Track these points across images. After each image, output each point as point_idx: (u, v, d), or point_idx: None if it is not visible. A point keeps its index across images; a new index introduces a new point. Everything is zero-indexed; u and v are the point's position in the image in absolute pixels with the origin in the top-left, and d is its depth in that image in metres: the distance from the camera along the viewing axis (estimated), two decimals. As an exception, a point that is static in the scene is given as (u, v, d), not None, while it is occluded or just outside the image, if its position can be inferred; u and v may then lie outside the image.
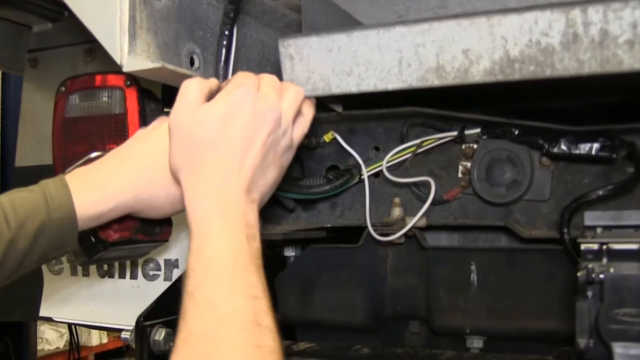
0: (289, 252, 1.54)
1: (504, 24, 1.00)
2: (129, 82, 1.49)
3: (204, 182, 1.00)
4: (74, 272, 1.74)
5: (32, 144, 1.81)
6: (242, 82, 1.04)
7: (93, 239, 1.16)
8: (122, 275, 1.68)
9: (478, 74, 1.02)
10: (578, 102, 1.42)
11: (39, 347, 4.65)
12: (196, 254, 0.96)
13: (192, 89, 1.04)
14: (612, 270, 0.92)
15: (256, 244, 0.99)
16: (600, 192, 1.15)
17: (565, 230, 1.15)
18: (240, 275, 0.93)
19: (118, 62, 1.13)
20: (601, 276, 0.92)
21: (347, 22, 1.48)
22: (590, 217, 1.17)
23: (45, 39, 1.80)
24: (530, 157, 1.25)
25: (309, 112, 1.14)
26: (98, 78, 1.55)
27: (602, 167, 1.22)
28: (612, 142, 1.14)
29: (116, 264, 1.69)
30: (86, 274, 1.73)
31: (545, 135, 1.20)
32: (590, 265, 0.92)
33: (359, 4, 1.72)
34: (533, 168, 1.25)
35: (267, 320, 0.90)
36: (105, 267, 1.70)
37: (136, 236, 1.19)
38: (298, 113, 1.11)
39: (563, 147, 1.18)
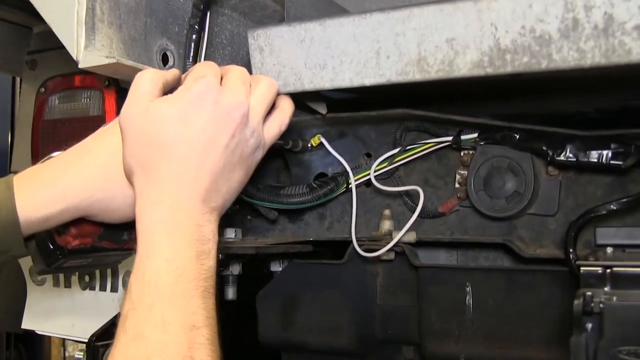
0: (276, 267, 1.41)
1: (494, 9, 0.86)
2: (107, 83, 1.40)
3: (155, 188, 0.89)
4: (56, 283, 1.66)
5: (28, 148, 1.74)
6: (202, 74, 0.92)
7: (51, 246, 1.07)
8: (102, 288, 1.58)
9: (464, 66, 0.89)
10: (598, 104, 1.27)
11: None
12: (136, 272, 0.84)
13: (144, 80, 0.93)
14: (615, 299, 0.77)
15: (209, 262, 0.87)
16: (612, 206, 1.00)
17: (571, 249, 1.00)
18: (178, 301, 0.82)
19: (74, 57, 1.03)
20: (601, 306, 0.76)
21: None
22: (603, 235, 1.03)
23: (45, 41, 1.73)
24: (533, 165, 1.10)
25: (288, 106, 1.01)
26: (77, 78, 1.47)
27: (618, 178, 1.08)
28: (625, 149, 0.99)
29: (97, 275, 1.59)
30: (68, 285, 1.64)
31: (549, 141, 1.06)
32: (588, 293, 0.77)
33: (364, 2, 1.61)
34: (538, 178, 1.11)
35: (202, 354, 0.79)
36: (87, 278, 1.61)
37: (100, 243, 1.09)
38: (271, 107, 0.98)
39: (570, 154, 1.03)
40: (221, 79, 0.95)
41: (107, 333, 1.19)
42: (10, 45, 1.79)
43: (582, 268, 0.83)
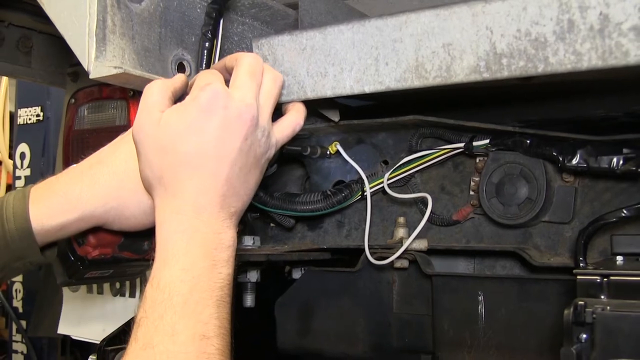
0: (297, 275, 1.41)
1: (489, 12, 0.85)
2: (132, 93, 1.43)
3: (174, 199, 0.90)
4: (89, 290, 1.71)
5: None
6: (208, 81, 0.93)
7: (72, 257, 1.09)
8: (132, 294, 1.63)
9: (462, 71, 0.88)
10: (627, 108, 1.22)
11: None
12: (152, 280, 0.86)
13: (154, 92, 0.95)
14: (608, 308, 0.74)
15: (226, 270, 0.88)
16: (623, 213, 0.96)
17: (581, 257, 0.97)
18: (190, 311, 0.82)
19: (85, 68, 1.06)
20: (593, 316, 0.73)
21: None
22: (619, 243, 1.00)
23: (86, 53, 1.79)
24: (546, 172, 1.07)
25: (301, 107, 1.03)
26: (105, 89, 1.50)
27: (635, 184, 1.04)
28: (637, 154, 0.96)
29: (127, 282, 1.63)
30: (100, 292, 1.69)
31: (560, 147, 1.03)
32: (580, 302, 0.75)
33: (391, 9, 1.60)
34: (551, 185, 1.08)
35: None
36: (118, 285, 1.65)
37: (120, 254, 1.11)
38: (285, 109, 0.99)
39: (580, 159, 1.00)
40: (231, 71, 0.96)
41: (118, 338, 1.21)
42: (53, 58, 1.85)
43: (578, 277, 0.80)
